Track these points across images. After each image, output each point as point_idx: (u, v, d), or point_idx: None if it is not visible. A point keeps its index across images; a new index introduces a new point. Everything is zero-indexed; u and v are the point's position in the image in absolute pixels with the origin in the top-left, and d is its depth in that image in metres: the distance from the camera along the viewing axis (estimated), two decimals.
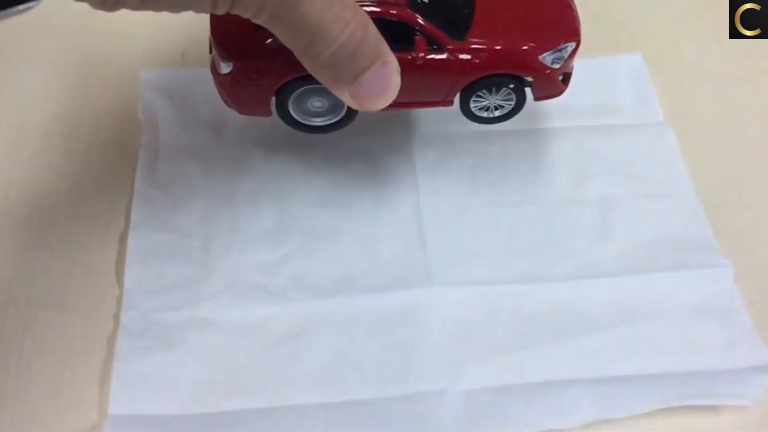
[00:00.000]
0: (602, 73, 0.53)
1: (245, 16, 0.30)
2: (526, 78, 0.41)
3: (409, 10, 0.38)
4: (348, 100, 0.35)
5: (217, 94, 0.50)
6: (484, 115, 0.43)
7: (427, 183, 0.47)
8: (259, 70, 0.39)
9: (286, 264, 0.44)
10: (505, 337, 0.41)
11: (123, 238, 0.44)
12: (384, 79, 0.35)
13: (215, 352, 0.40)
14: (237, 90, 0.40)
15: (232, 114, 0.49)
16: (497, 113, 0.43)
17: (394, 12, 0.38)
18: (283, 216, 0.46)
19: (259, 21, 0.31)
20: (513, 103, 0.42)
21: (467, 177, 0.47)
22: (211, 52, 0.40)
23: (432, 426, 0.38)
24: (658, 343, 0.41)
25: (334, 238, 0.45)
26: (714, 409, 0.39)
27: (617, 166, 0.48)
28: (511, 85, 0.41)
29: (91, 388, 0.39)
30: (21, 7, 0.24)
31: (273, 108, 0.41)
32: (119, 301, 0.42)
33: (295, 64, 0.34)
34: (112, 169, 0.47)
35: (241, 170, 0.47)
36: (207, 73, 0.51)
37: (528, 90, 0.42)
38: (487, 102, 0.42)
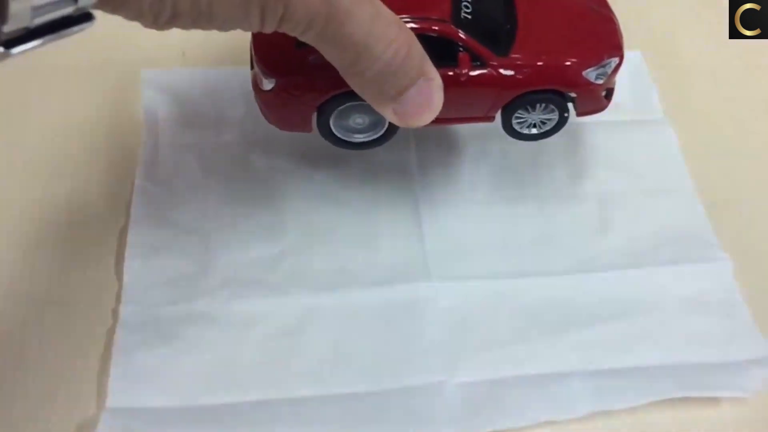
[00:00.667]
0: None
1: (292, 34, 0.30)
2: (570, 94, 0.40)
3: (452, 26, 0.38)
4: (391, 116, 0.35)
5: (218, 92, 0.51)
6: (526, 131, 0.42)
7: (426, 178, 0.47)
8: (302, 86, 0.39)
9: (285, 259, 0.44)
10: (502, 330, 0.41)
11: (123, 235, 0.44)
12: (427, 95, 0.35)
13: (213, 345, 0.40)
14: (279, 106, 0.40)
15: (231, 112, 0.50)
16: (539, 130, 0.42)
17: (438, 28, 0.37)
18: (282, 211, 0.46)
19: (305, 39, 0.31)
20: (555, 119, 0.42)
21: (466, 172, 0.48)
22: (252, 68, 0.40)
23: (429, 418, 0.38)
24: (656, 336, 0.41)
25: (332, 233, 0.45)
26: (713, 401, 0.39)
27: (616, 162, 0.48)
28: (554, 101, 0.41)
29: (89, 382, 0.39)
30: (75, 28, 0.24)
31: (314, 124, 0.41)
32: (118, 295, 0.42)
33: (338, 80, 0.34)
34: (112, 167, 0.48)
35: (241, 167, 0.48)
36: (207, 72, 0.52)
37: (570, 106, 0.41)
38: (529, 118, 0.42)
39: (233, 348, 0.40)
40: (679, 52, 0.56)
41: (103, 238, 0.45)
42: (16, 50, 0.23)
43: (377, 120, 0.41)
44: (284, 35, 0.31)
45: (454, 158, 0.48)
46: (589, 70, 0.40)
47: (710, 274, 0.43)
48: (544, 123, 0.42)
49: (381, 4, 0.32)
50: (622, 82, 0.52)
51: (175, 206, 0.46)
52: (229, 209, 0.46)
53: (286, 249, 0.44)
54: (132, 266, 0.43)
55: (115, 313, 0.41)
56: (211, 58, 0.52)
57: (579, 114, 0.42)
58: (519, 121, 0.42)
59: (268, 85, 0.39)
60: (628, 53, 0.53)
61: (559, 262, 0.44)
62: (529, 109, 0.41)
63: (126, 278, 0.42)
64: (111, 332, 0.41)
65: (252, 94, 0.41)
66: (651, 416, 0.39)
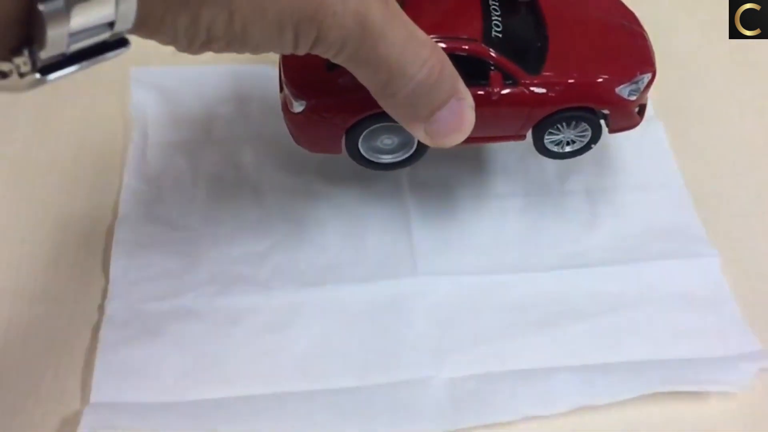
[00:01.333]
0: None
1: (325, 56, 0.30)
2: (602, 111, 0.40)
3: (483, 45, 0.37)
4: (422, 136, 0.35)
5: (207, 90, 0.51)
6: (557, 149, 0.42)
7: (414, 173, 0.47)
8: (332, 108, 0.39)
9: (272, 255, 0.44)
10: (490, 326, 0.41)
11: (110, 232, 0.44)
12: (459, 115, 0.34)
13: (199, 341, 0.40)
14: (308, 128, 0.40)
15: (220, 110, 0.50)
16: (571, 148, 0.42)
17: (470, 47, 0.37)
18: (269, 208, 0.46)
19: (338, 60, 0.31)
20: (588, 137, 0.41)
21: (454, 168, 0.47)
22: (281, 90, 0.40)
23: (416, 413, 0.38)
24: (644, 331, 0.41)
25: (320, 228, 0.45)
26: (700, 396, 0.39)
27: (605, 158, 0.48)
28: (587, 119, 0.40)
29: (74, 377, 0.39)
30: (110, 54, 0.25)
31: (342, 146, 0.41)
32: (105, 291, 0.42)
33: (368, 102, 0.33)
34: (101, 164, 0.48)
35: (229, 164, 0.48)
36: (197, 70, 0.52)
37: (602, 122, 0.41)
38: (562, 136, 0.41)
39: (219, 343, 0.40)
40: (680, 52, 0.55)
41: (90, 235, 0.45)
42: (52, 76, 0.23)
43: (406, 141, 0.40)
44: (314, 57, 0.31)
45: (442, 154, 0.48)
46: (621, 86, 0.39)
47: (698, 269, 0.43)
48: (575, 141, 0.42)
49: (413, 24, 0.32)
50: None
51: (162, 203, 0.46)
52: (216, 206, 0.46)
53: (272, 245, 0.44)
54: (118, 263, 0.43)
55: (101, 308, 0.41)
56: (201, 56, 0.52)
57: (611, 131, 0.41)
58: (551, 139, 0.41)
59: (298, 107, 0.39)
60: None
61: (547, 258, 0.44)
62: (561, 127, 0.41)
63: (112, 274, 0.42)
64: (97, 328, 0.41)
65: (238, 93, 0.41)
66: (638, 411, 0.38)
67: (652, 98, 0.51)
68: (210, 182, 0.47)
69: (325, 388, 0.39)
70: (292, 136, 0.41)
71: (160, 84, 0.50)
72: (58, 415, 0.38)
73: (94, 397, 0.38)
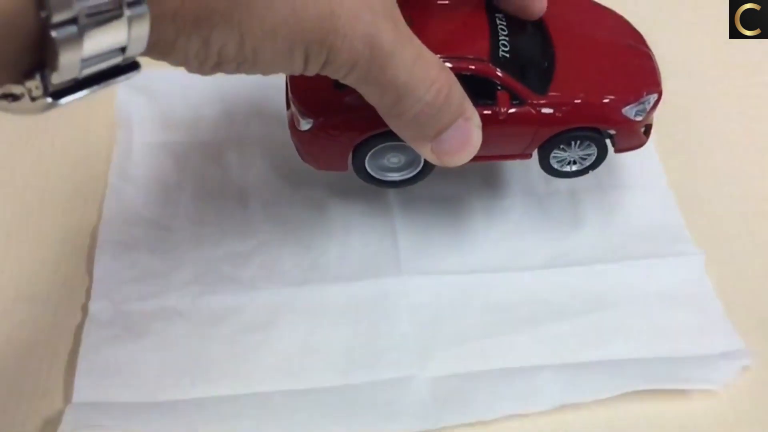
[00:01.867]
0: None
1: (334, 77, 0.30)
2: (609, 131, 0.40)
3: (491, 65, 0.37)
4: (429, 155, 0.35)
5: (192, 92, 0.51)
6: (564, 168, 0.42)
7: None
8: (339, 127, 0.39)
9: (256, 255, 0.44)
10: (474, 324, 0.41)
11: (95, 232, 0.44)
12: (466, 135, 0.35)
13: (182, 341, 0.40)
14: (315, 146, 0.40)
15: (205, 111, 0.50)
16: (577, 167, 0.42)
17: (477, 67, 0.37)
18: (254, 208, 0.46)
19: (347, 81, 0.31)
20: (594, 156, 0.41)
21: (438, 169, 0.47)
22: (288, 108, 0.40)
23: (398, 412, 0.38)
24: (627, 329, 0.41)
25: (304, 229, 0.45)
26: (683, 394, 0.39)
27: None
28: (593, 138, 0.40)
29: (57, 377, 0.39)
30: (122, 77, 0.25)
31: (349, 163, 0.41)
32: (89, 291, 0.42)
33: (375, 121, 0.33)
34: (86, 164, 0.48)
35: (214, 165, 0.48)
36: (182, 72, 0.52)
37: (608, 142, 0.41)
38: (568, 156, 0.41)
39: (202, 343, 0.40)
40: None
41: (75, 235, 0.45)
42: (63, 101, 0.23)
43: (413, 159, 0.40)
44: (322, 76, 0.31)
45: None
46: (628, 107, 0.39)
47: (682, 268, 0.43)
48: (582, 160, 0.42)
49: (422, 45, 0.32)
50: None
51: (147, 204, 0.46)
52: (201, 206, 0.46)
53: (257, 245, 0.44)
54: (102, 263, 0.43)
55: (84, 308, 0.41)
56: None
57: (617, 150, 0.41)
58: (557, 158, 0.41)
59: (305, 125, 0.39)
60: None
61: (531, 258, 0.44)
62: (568, 147, 0.41)
63: (96, 274, 0.42)
64: (80, 328, 0.41)
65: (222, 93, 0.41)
66: (621, 409, 0.38)
67: None
68: (195, 183, 0.47)
69: (307, 387, 0.39)
70: (299, 153, 0.41)
71: (146, 86, 0.50)
72: (41, 414, 0.38)
73: (76, 396, 0.38)
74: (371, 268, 0.43)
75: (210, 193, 0.47)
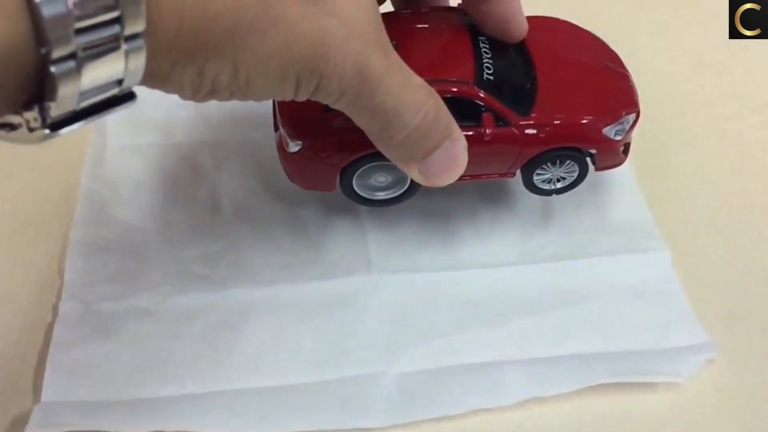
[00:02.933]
0: None
1: (324, 102, 0.31)
2: (590, 151, 0.41)
3: (476, 88, 0.38)
4: (417, 176, 0.36)
5: (166, 94, 0.51)
6: (546, 187, 0.43)
7: None
8: (328, 149, 0.39)
9: (228, 255, 0.44)
10: (442, 321, 0.42)
11: (67, 233, 0.45)
12: (452, 156, 0.35)
13: (152, 340, 0.40)
14: (304, 167, 0.41)
15: (179, 114, 0.51)
16: (559, 185, 0.43)
17: (463, 90, 0.38)
18: (225, 209, 0.46)
19: (336, 107, 0.31)
20: (575, 174, 0.42)
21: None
22: (276, 130, 0.41)
23: (366, 408, 0.38)
24: (594, 324, 0.41)
25: (275, 229, 0.45)
26: (649, 387, 0.39)
27: None
28: (574, 158, 0.41)
29: (27, 377, 0.39)
30: (118, 108, 0.25)
31: (337, 184, 0.41)
32: (60, 292, 0.42)
33: (363, 142, 0.34)
34: (59, 167, 0.48)
35: (187, 167, 0.48)
36: None
37: (589, 160, 0.42)
38: (550, 174, 0.42)
39: (172, 342, 0.40)
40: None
41: (48, 237, 0.45)
42: (61, 132, 0.24)
43: (400, 178, 0.41)
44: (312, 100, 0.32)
45: None
46: (608, 127, 0.40)
47: (649, 264, 0.44)
48: (563, 178, 0.43)
49: (410, 70, 0.32)
50: None
51: (120, 206, 0.46)
52: (173, 208, 0.46)
53: (228, 246, 0.45)
54: (73, 263, 0.43)
55: (55, 309, 0.41)
56: None
57: (598, 169, 0.42)
58: (540, 177, 0.42)
59: (294, 147, 0.39)
60: None
61: (500, 255, 0.44)
62: (550, 166, 0.42)
63: (67, 275, 0.43)
64: (51, 328, 0.41)
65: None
66: (587, 402, 0.39)
67: None
68: (167, 185, 0.47)
69: (276, 384, 0.39)
70: (287, 174, 0.42)
71: None
72: (10, 414, 0.38)
73: (45, 396, 0.38)
74: (341, 267, 0.44)
75: (182, 194, 0.47)
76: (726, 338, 0.41)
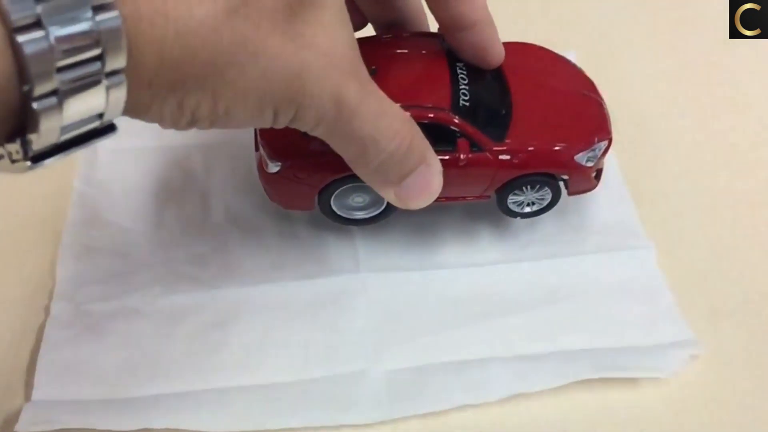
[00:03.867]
0: None
1: (302, 129, 0.32)
2: (562, 176, 0.42)
3: (451, 114, 0.39)
4: (392, 199, 0.37)
5: None
6: (521, 210, 0.44)
7: None
8: (306, 170, 0.40)
9: (217, 256, 0.45)
10: (429, 319, 0.42)
11: (60, 235, 0.45)
12: (427, 180, 0.36)
13: (142, 340, 0.41)
14: (283, 187, 0.42)
15: None
16: (532, 208, 0.44)
17: (438, 116, 0.39)
18: (216, 211, 0.47)
19: (314, 134, 0.32)
20: (548, 199, 0.43)
21: None
22: (257, 150, 0.42)
23: (352, 404, 0.39)
24: (579, 321, 0.42)
25: (264, 230, 0.46)
26: (633, 382, 0.39)
27: None
28: (547, 183, 0.42)
29: (18, 376, 0.40)
30: (98, 140, 0.26)
31: (316, 203, 0.42)
32: (52, 293, 0.43)
33: (340, 164, 0.35)
34: (52, 170, 0.48)
35: (178, 170, 0.49)
36: None
37: (562, 185, 0.43)
38: (524, 198, 0.43)
39: (161, 341, 0.41)
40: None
41: (41, 238, 0.46)
42: (44, 163, 0.24)
43: (377, 198, 0.42)
44: None
45: None
46: (580, 154, 0.41)
47: (635, 262, 0.44)
48: (537, 202, 0.44)
49: (386, 97, 0.33)
50: None
51: (111, 208, 0.47)
52: (164, 210, 0.47)
53: (218, 247, 0.45)
54: (65, 265, 0.44)
55: (47, 309, 0.42)
56: None
57: (570, 193, 0.44)
58: (514, 200, 0.43)
59: (273, 168, 0.40)
60: (564, 54, 0.56)
61: (486, 253, 0.45)
62: (524, 190, 0.42)
63: (59, 276, 0.43)
64: (43, 328, 0.41)
65: None
66: (572, 398, 0.39)
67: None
68: (158, 187, 0.48)
69: (264, 382, 0.40)
70: (267, 193, 0.43)
71: None
72: (2, 412, 0.39)
73: (36, 394, 0.38)
74: (330, 266, 0.44)
75: (173, 197, 0.47)
76: (710, 335, 0.41)
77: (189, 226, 0.46)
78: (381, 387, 0.39)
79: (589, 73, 0.54)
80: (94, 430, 0.37)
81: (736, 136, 0.52)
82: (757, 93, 0.54)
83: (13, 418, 0.38)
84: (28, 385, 0.39)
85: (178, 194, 0.48)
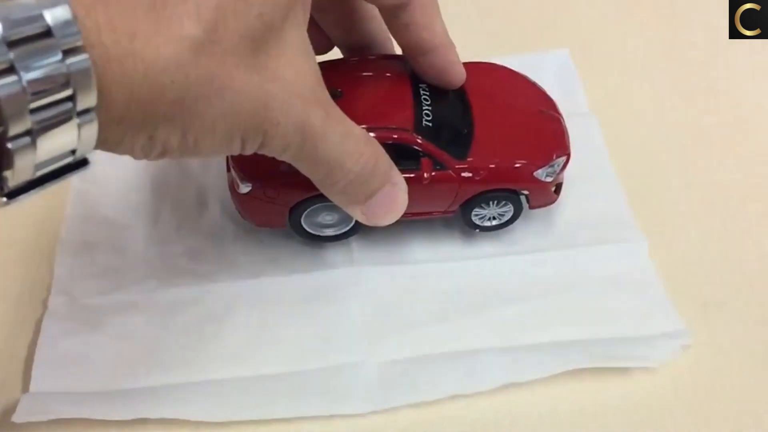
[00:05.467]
0: (530, 68, 0.54)
1: (270, 155, 0.33)
2: (523, 192, 0.43)
3: (414, 134, 0.40)
4: (360, 217, 0.38)
5: None
6: (485, 224, 0.45)
7: None
8: (276, 190, 0.41)
9: (214, 250, 0.45)
10: (422, 312, 0.42)
11: (58, 231, 0.46)
12: (392, 199, 0.38)
13: (139, 333, 0.41)
14: (254, 207, 0.43)
15: None
16: (496, 222, 0.45)
17: (402, 137, 0.40)
18: (212, 207, 0.47)
19: (282, 158, 0.33)
20: (511, 213, 0.44)
21: None
22: (228, 171, 0.43)
23: (346, 395, 0.39)
24: (572, 313, 0.42)
25: None
26: (624, 372, 0.40)
27: None
28: (509, 198, 0.43)
29: (16, 368, 0.41)
30: (72, 174, 0.27)
31: (286, 222, 0.43)
32: (50, 287, 0.43)
33: (309, 185, 0.36)
34: None
35: (175, 166, 0.49)
36: None
37: (523, 199, 0.44)
38: (487, 212, 0.44)
39: (158, 334, 0.41)
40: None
41: (39, 234, 0.46)
42: (18, 198, 0.25)
43: (346, 216, 0.43)
44: None
45: None
46: (539, 170, 0.43)
47: (627, 254, 0.44)
48: (500, 216, 0.45)
49: (349, 121, 0.34)
50: (549, 79, 0.54)
51: (108, 204, 0.47)
52: (161, 205, 0.47)
53: (214, 241, 0.46)
54: (63, 260, 0.44)
55: (45, 303, 0.43)
56: None
57: (531, 207, 0.45)
58: (478, 215, 0.44)
59: (244, 188, 0.41)
60: (555, 52, 0.56)
61: (480, 247, 0.45)
62: (487, 205, 0.44)
63: (57, 271, 0.44)
64: (40, 321, 0.42)
65: None
66: (564, 388, 0.39)
67: (593, 93, 0.53)
68: (155, 183, 0.48)
69: (259, 373, 0.40)
70: (239, 212, 0.44)
71: None
72: (0, 403, 0.39)
73: (33, 386, 0.39)
74: (324, 260, 0.45)
75: (170, 192, 0.48)
76: (701, 326, 0.42)
77: (185, 222, 0.47)
78: (374, 378, 0.40)
79: (585, 71, 0.55)
80: (91, 420, 0.37)
81: (729, 131, 0.52)
82: (756, 93, 0.54)
83: (11, 408, 0.38)
84: (26, 377, 0.40)
85: (174, 190, 0.48)
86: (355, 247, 0.45)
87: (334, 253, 0.45)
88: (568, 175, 0.48)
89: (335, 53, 0.45)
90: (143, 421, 0.38)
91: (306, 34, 0.32)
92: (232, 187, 0.43)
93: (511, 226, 0.46)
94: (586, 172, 0.49)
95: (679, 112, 0.53)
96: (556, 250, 0.45)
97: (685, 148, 0.51)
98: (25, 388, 0.39)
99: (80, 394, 0.39)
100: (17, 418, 0.37)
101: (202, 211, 0.47)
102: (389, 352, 0.41)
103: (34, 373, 0.39)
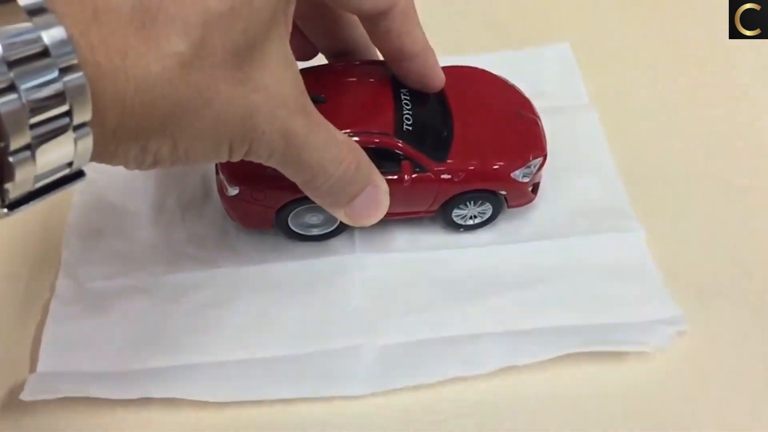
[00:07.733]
0: (531, 61, 0.55)
1: (256, 161, 0.34)
2: (501, 192, 0.44)
3: (395, 138, 0.41)
4: (343, 218, 0.39)
5: None
6: (465, 223, 0.46)
7: None
8: (263, 193, 0.43)
9: (218, 236, 0.46)
10: (422, 298, 0.43)
11: (67, 218, 0.47)
12: (374, 200, 0.39)
13: (144, 316, 0.42)
14: (242, 209, 0.44)
15: None
16: (476, 221, 0.46)
17: (383, 141, 0.41)
18: (216, 195, 0.48)
19: (268, 164, 0.34)
20: (489, 212, 0.46)
21: None
22: (217, 174, 0.44)
23: (346, 377, 0.40)
24: (569, 300, 0.43)
25: None
26: (619, 357, 0.40)
27: None
28: (488, 198, 0.45)
29: (24, 349, 0.42)
30: (69, 185, 0.28)
31: (273, 222, 0.44)
32: (57, 271, 0.44)
33: (294, 188, 0.37)
34: None
35: None
36: None
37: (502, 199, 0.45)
38: (467, 211, 0.45)
39: (162, 317, 0.42)
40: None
41: (47, 221, 0.47)
42: (19, 209, 0.26)
43: (330, 217, 0.44)
44: None
45: None
46: (517, 171, 0.44)
47: (624, 243, 0.45)
48: (480, 215, 0.46)
49: (331, 127, 0.35)
50: (549, 72, 0.55)
51: (115, 192, 0.48)
52: (165, 193, 0.48)
53: (217, 228, 0.47)
54: (71, 244, 0.45)
55: (52, 287, 0.44)
56: None
57: (510, 207, 0.46)
58: (458, 214, 0.45)
59: (232, 191, 0.43)
60: (556, 45, 0.57)
61: (479, 235, 0.46)
62: (466, 205, 0.45)
63: (64, 255, 0.45)
64: (48, 304, 0.43)
65: None
66: (560, 372, 0.40)
67: (593, 86, 0.54)
68: (160, 172, 0.49)
69: (261, 356, 0.41)
70: (227, 213, 0.45)
71: None
72: (8, 384, 0.40)
73: (41, 366, 0.40)
74: (326, 247, 0.46)
75: (174, 181, 0.49)
76: (697, 312, 0.42)
77: (190, 209, 0.48)
78: (374, 360, 0.40)
79: (585, 68, 0.55)
80: (96, 398, 0.38)
81: (726, 125, 0.52)
82: (756, 93, 0.55)
83: (19, 387, 0.39)
84: (34, 358, 0.41)
85: (179, 178, 0.49)
86: (357, 234, 0.46)
87: (337, 241, 0.46)
88: (567, 166, 0.49)
89: (320, 59, 0.46)
90: (147, 401, 0.39)
91: (288, 46, 0.33)
92: (221, 191, 0.44)
93: (510, 216, 0.47)
94: (586, 162, 0.49)
95: (678, 106, 0.54)
96: (555, 239, 0.46)
97: (682, 141, 0.51)
98: (33, 368, 0.40)
99: (86, 374, 0.40)
100: (25, 396, 0.38)
101: (206, 199, 0.48)
102: (389, 335, 0.41)
103: (41, 353, 0.40)
